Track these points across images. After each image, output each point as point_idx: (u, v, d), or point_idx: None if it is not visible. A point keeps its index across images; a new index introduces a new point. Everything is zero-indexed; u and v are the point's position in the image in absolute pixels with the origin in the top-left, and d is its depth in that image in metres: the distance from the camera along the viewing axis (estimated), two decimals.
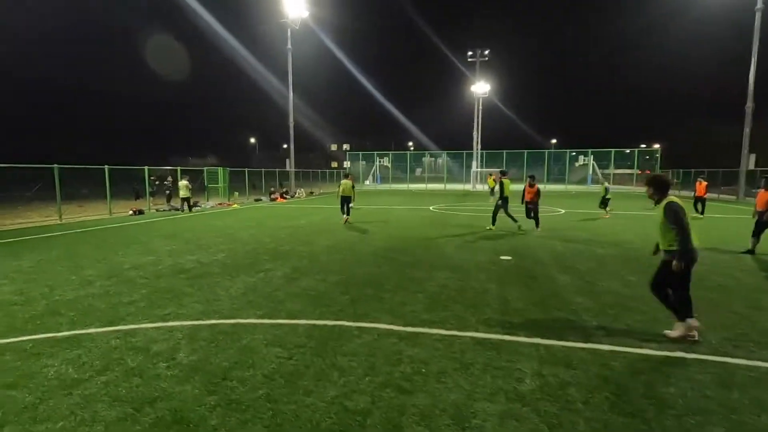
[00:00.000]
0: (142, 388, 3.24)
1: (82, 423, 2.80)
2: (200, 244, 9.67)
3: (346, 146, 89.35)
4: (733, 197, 26.38)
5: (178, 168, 19.70)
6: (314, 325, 4.57)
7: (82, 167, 16.06)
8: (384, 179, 50.08)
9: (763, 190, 8.77)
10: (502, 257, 8.13)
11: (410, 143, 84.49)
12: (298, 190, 30.50)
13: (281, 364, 3.66)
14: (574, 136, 76.87)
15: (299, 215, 16.48)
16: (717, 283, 6.31)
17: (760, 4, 24.82)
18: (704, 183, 15.95)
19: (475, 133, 43.09)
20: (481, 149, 44.07)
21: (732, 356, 3.81)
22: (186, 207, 17.97)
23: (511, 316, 4.85)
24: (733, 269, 7.22)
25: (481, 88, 42.79)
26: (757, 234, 8.62)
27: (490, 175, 28.29)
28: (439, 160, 54.29)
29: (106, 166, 16.30)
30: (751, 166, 25.72)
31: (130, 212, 16.71)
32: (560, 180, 42.92)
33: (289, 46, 31.73)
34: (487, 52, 41.20)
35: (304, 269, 7.16)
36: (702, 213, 15.42)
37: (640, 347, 3.99)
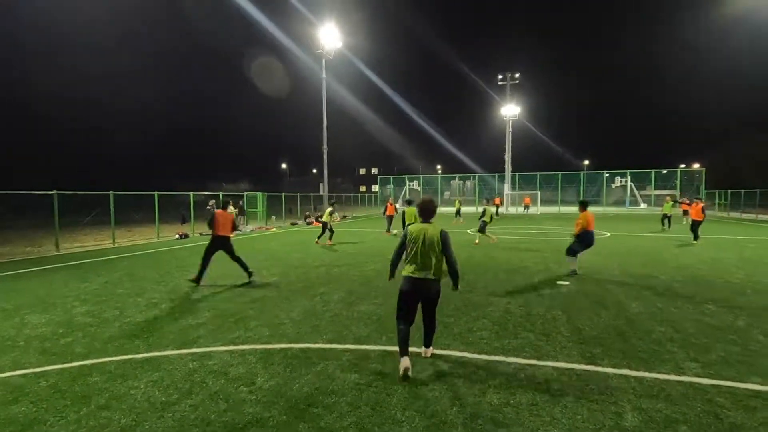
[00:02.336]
0: (231, 413, 3.23)
1: None
2: (252, 267, 9.83)
3: (374, 170, 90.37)
4: None
5: (220, 193, 20.36)
6: (385, 351, 4.49)
7: (133, 194, 16.85)
8: (412, 203, 50.08)
9: None
10: (560, 282, 7.85)
11: (438, 167, 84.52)
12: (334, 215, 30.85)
13: (361, 390, 3.58)
14: (608, 156, 75.03)
15: (339, 238, 16.59)
16: None
17: None
18: (700, 204, 14.34)
19: (506, 155, 42.74)
20: (512, 171, 43.60)
21: None
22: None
23: (590, 346, 4.61)
24: None
25: (511, 110, 42.68)
26: None
27: (487, 199, 27.87)
28: (468, 183, 53.95)
29: (155, 193, 17.04)
30: None
31: (177, 236, 17.29)
32: (596, 202, 41.71)
33: (324, 75, 32.80)
34: (517, 76, 41.23)
35: (360, 293, 7.12)
36: (696, 238, 13.81)
37: (744, 381, 3.69)
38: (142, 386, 3.71)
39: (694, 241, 13.71)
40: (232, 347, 4.64)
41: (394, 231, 17.37)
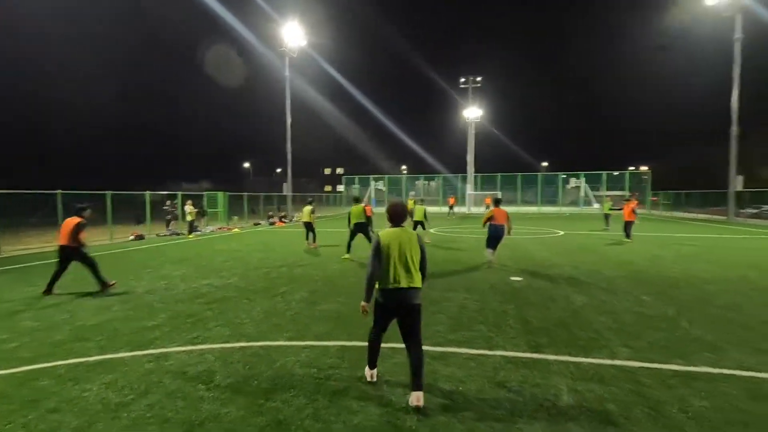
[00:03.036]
0: (188, 410, 3.26)
1: None
2: (211, 268, 9.68)
3: (339, 170, 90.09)
4: (724, 217, 26.95)
5: (180, 193, 19.75)
6: (345, 346, 4.63)
7: (85, 193, 16.06)
8: (380, 202, 50.40)
9: None
10: (513, 278, 8.26)
11: (404, 167, 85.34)
12: (296, 215, 30.57)
13: (320, 383, 3.70)
14: (565, 159, 78.53)
15: (303, 239, 16.52)
16: (726, 301, 6.48)
17: (738, 34, 26.11)
18: (631, 205, 14.54)
19: (468, 156, 43.81)
20: (475, 172, 44.75)
21: (756, 370, 3.94)
22: (189, 231, 17.98)
23: (536, 336, 4.94)
24: (739, 287, 7.42)
25: (473, 113, 43.80)
26: None
27: (422, 200, 28.62)
28: (433, 183, 54.84)
29: (108, 192, 16.32)
30: (739, 188, 26.41)
31: (131, 237, 16.63)
32: (552, 202, 43.61)
33: (287, 73, 32.45)
34: (479, 79, 42.37)
35: (322, 292, 7.21)
36: (627, 236, 14.41)
37: (666, 363, 4.11)
38: (95, 388, 3.65)
39: (627, 239, 14.26)
40: (190, 347, 4.62)
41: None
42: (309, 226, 13.43)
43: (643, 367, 4.02)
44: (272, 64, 34.04)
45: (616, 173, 44.84)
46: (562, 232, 18.32)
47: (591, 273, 8.79)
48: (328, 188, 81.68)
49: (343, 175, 56.27)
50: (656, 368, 4.00)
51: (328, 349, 4.52)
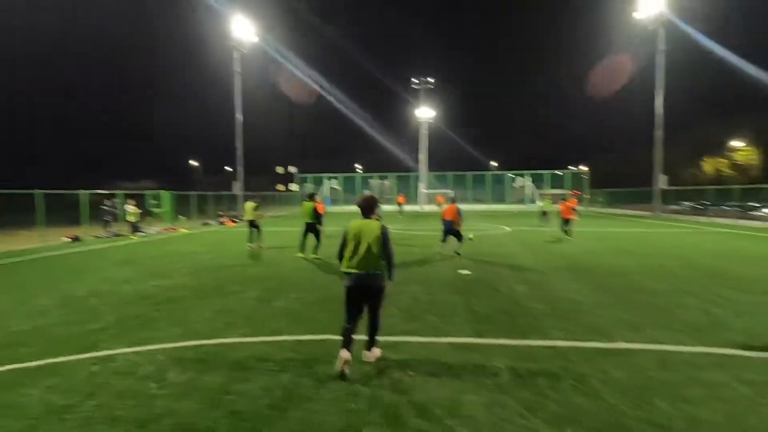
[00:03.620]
0: (140, 408, 3.26)
1: None
2: (158, 269, 9.34)
3: (293, 169, 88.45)
4: (649, 213, 29.52)
5: (120, 191, 18.67)
6: (300, 340, 4.74)
7: (10, 192, 14.79)
8: (334, 201, 50.20)
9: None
10: (462, 271, 8.69)
11: (359, 166, 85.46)
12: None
13: (275, 376, 3.80)
14: (514, 159, 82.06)
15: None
16: (647, 287, 7.25)
17: (662, 47, 28.68)
18: (570, 203, 14.72)
19: (421, 155, 44.76)
20: (428, 171, 45.77)
21: (666, 344, 4.51)
22: (132, 232, 17.07)
23: (480, 323, 5.30)
24: (658, 274, 8.30)
25: (426, 113, 44.80)
26: None
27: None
28: (387, 182, 55.46)
29: (36, 191, 15.15)
30: (664, 186, 29.04)
31: (65, 239, 15.55)
32: (501, 200, 45.57)
33: (238, 69, 31.55)
34: (431, 80, 43.38)
35: (276, 290, 7.23)
36: (567, 233, 14.58)
37: (590, 341, 4.59)
38: (37, 393, 3.53)
39: (567, 237, 14.46)
40: (138, 348, 4.53)
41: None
42: (253, 224, 12.64)
43: (571, 346, 4.47)
44: (224, 60, 32.88)
45: (561, 173, 47.55)
46: (509, 229, 19.30)
47: (533, 266, 9.43)
48: (281, 187, 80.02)
49: (296, 173, 55.44)
50: (583, 346, 4.47)
51: (283, 344, 4.61)
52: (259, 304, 6.29)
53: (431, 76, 43.41)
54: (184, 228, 20.70)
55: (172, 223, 22.26)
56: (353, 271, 3.92)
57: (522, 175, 46.28)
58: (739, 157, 46.30)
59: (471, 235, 13.09)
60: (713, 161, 49.80)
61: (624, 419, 3.04)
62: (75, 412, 3.21)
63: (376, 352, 4.15)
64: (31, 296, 6.92)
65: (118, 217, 18.79)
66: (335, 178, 51.74)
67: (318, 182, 51.43)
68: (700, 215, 26.49)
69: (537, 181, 45.16)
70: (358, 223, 4.03)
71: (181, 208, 25.05)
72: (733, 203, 25.02)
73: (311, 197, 11.35)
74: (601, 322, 5.32)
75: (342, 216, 32.85)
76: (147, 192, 22.56)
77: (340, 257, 4.06)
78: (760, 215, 22.19)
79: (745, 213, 24.19)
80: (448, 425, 2.98)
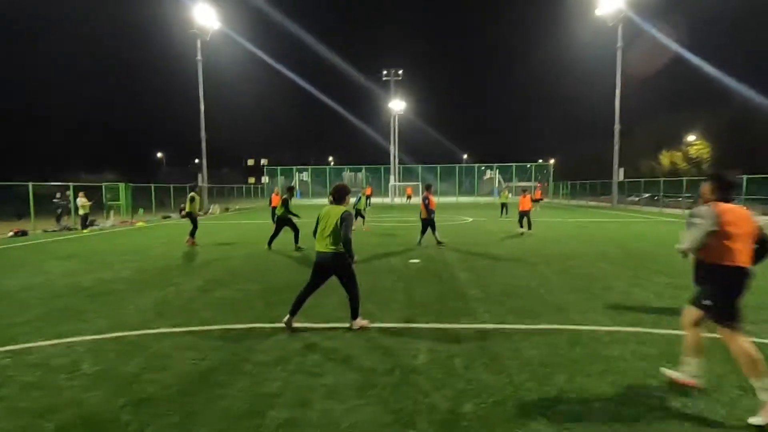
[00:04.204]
0: (44, 399, 3.18)
1: None
2: (103, 262, 9.05)
3: (264, 161, 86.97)
4: (609, 204, 30.72)
5: (71, 184, 17.89)
6: (229, 329, 4.72)
7: None
8: (304, 194, 49.75)
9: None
10: (411, 261, 8.83)
11: (330, 158, 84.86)
12: (212, 207, 29.18)
13: (194, 364, 3.79)
14: (486, 152, 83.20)
15: (213, 231, 15.96)
16: (582, 273, 7.57)
17: (620, 43, 29.67)
18: (528, 196, 14.27)
19: (392, 147, 44.87)
20: (399, 164, 45.96)
21: (582, 324, 4.75)
22: (83, 225, 16.42)
23: (414, 309, 5.43)
24: (597, 261, 8.68)
25: (396, 105, 44.84)
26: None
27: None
28: (359, 175, 55.39)
29: None
30: (621, 178, 30.23)
31: (11, 234, 14.81)
32: (470, 192, 46.31)
33: (199, 57, 30.63)
34: (400, 72, 43.40)
35: (220, 281, 7.15)
36: (529, 227, 13.95)
37: (515, 324, 4.79)
38: None
39: (529, 231, 13.88)
40: (56, 341, 4.40)
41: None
42: (191, 217, 11.64)
43: (495, 329, 4.65)
44: (189, 47, 31.78)
45: (528, 165, 48.69)
46: (470, 219, 19.67)
47: (481, 253, 9.67)
48: (251, 180, 78.52)
49: (267, 165, 54.53)
50: (506, 328, 4.65)
51: (211, 333, 4.59)
52: (199, 295, 6.21)
53: (404, 69, 43.47)
54: (142, 221, 20.06)
55: (130, 216, 21.53)
56: (317, 249, 4.58)
57: (491, 168, 47.13)
58: (693, 151, 48.66)
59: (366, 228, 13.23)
60: (669, 155, 52.11)
61: (520, 392, 3.20)
62: None
63: (361, 321, 4.67)
64: None
65: (69, 210, 18.04)
66: (305, 170, 51.24)
67: (288, 174, 50.79)
68: (654, 206, 27.76)
69: (505, 173, 46.09)
70: (327, 208, 4.60)
71: (143, 201, 24.26)
72: (686, 194, 26.33)
73: (290, 190, 11.37)
74: (532, 305, 5.54)
75: (312, 208, 32.64)
76: (104, 184, 21.71)
77: (314, 237, 4.67)
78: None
79: (695, 204, 25.52)
80: (353, 404, 3.06)
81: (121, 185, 21.76)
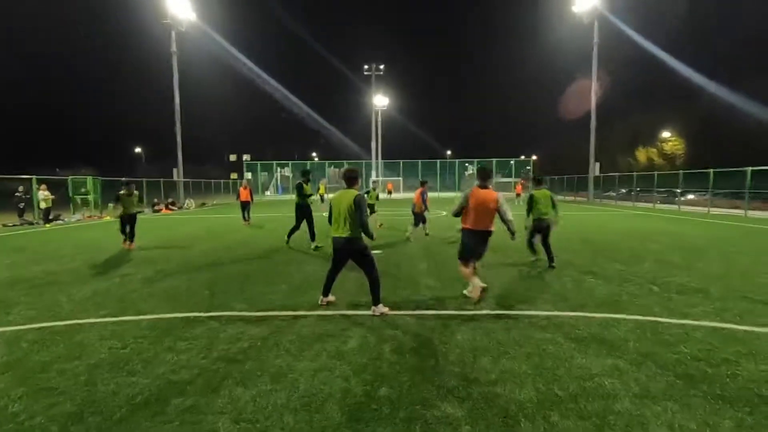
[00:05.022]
0: None
1: None
2: (53, 255, 8.73)
3: (246, 156, 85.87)
4: (585, 198, 31.14)
5: (33, 177, 17.29)
6: (161, 318, 4.56)
7: None
8: (285, 189, 49.28)
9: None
10: (374, 251, 8.71)
11: (314, 153, 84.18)
12: (187, 201, 28.62)
13: (113, 353, 3.62)
14: (469, 147, 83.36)
15: (183, 225, 15.63)
16: (539, 262, 7.59)
17: (596, 39, 30.01)
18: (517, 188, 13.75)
19: (373, 143, 44.69)
20: (382, 159, 45.80)
21: (525, 309, 4.72)
22: (45, 219, 15.89)
23: (362, 297, 5.32)
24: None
25: (379, 100, 44.63)
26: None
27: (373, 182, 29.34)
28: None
29: None
30: (597, 173, 30.66)
31: None
32: (453, 188, 46.47)
33: (174, 48, 29.91)
34: (382, 66, 43.18)
35: (170, 271, 6.94)
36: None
37: (457, 310, 4.73)
38: None
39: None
40: None
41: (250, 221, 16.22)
42: (125, 218, 9.58)
43: (436, 314, 4.58)
44: (163, 39, 30.98)
45: (510, 161, 49.03)
46: (444, 213, 19.68)
47: (450, 245, 9.63)
48: (233, 175, 77.41)
49: (249, 161, 53.77)
50: (447, 314, 4.59)
51: (140, 323, 4.41)
52: (142, 285, 6.01)
53: (385, 65, 43.22)
54: (110, 216, 19.53)
55: (98, 211, 20.94)
56: (332, 234, 4.55)
57: (471, 163, 47.34)
58: (668, 147, 49.70)
59: (380, 223, 13.23)
60: (645, 151, 53.15)
61: (439, 374, 3.14)
62: None
63: (381, 308, 4.58)
64: None
65: (31, 204, 17.43)
66: (286, 165, 50.71)
67: (269, 170, 50.21)
68: (627, 200, 28.24)
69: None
70: (339, 193, 4.57)
71: (112, 195, 23.64)
72: (660, 189, 26.84)
73: (305, 174, 9.68)
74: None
75: (287, 204, 32.27)
76: (70, 178, 21.05)
77: (330, 223, 4.65)
78: (682, 200, 23.80)
79: (668, 198, 26.04)
80: (265, 390, 2.95)
81: (90, 179, 21.14)
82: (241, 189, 15.61)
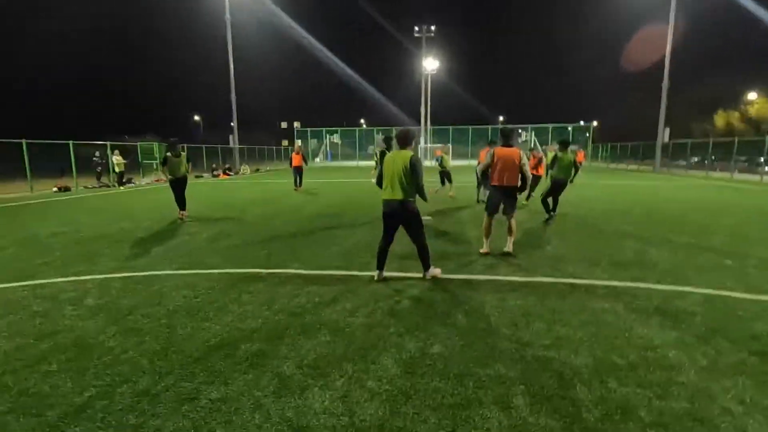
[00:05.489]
0: (44, 325, 3.46)
1: None
2: (128, 214, 9.57)
3: (296, 124, 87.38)
4: (651, 168, 28.90)
5: (108, 143, 18.72)
6: (228, 273, 4.90)
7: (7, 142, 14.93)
8: (334, 156, 49.90)
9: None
10: (424, 217, 8.70)
11: (362, 120, 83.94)
12: (242, 167, 29.88)
13: (187, 301, 3.98)
14: (524, 113, 79.24)
15: (240, 190, 16.41)
16: (597, 229, 7.25)
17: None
18: (533, 160, 10.77)
19: (422, 108, 43.69)
20: (431, 125, 44.81)
21: (581, 277, 4.58)
22: (119, 182, 17.32)
23: (411, 259, 5.39)
24: (606, 219, 8.28)
25: (429, 64, 43.18)
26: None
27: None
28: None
29: (23, 141, 15.26)
30: (666, 139, 28.22)
31: (55, 189, 15.83)
32: None
33: (228, 15, 30.40)
34: (433, 28, 41.44)
35: (231, 232, 7.39)
36: (528, 198, 10.71)
37: (509, 275, 4.68)
38: None
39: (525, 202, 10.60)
40: (72, 278, 4.74)
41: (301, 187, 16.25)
42: (176, 185, 8.86)
43: (488, 280, 4.57)
44: (218, 6, 31.56)
45: (567, 126, 46.07)
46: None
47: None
48: (285, 142, 79.34)
49: (300, 128, 54.69)
50: (498, 279, 4.56)
51: (208, 276, 4.78)
52: (208, 243, 6.46)
53: (439, 25, 41.40)
54: (162, 176, 20.85)
55: (164, 175, 22.43)
56: (384, 197, 4.37)
57: (526, 129, 45.17)
58: (753, 111, 44.42)
59: (451, 193, 13.00)
60: (725, 115, 47.90)
61: (491, 336, 3.16)
62: None
63: (433, 270, 4.59)
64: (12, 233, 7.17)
65: (108, 168, 18.99)
66: (335, 132, 51.09)
67: (320, 137, 50.87)
68: (700, 169, 25.90)
69: (541, 135, 44.05)
70: (393, 154, 4.36)
71: None
72: (741, 157, 24.26)
73: (387, 141, 8.35)
74: (533, 259, 5.39)
75: (335, 170, 32.75)
76: (139, 144, 22.58)
77: (379, 185, 4.47)
78: (766, 170, 21.37)
79: (750, 167, 23.55)
80: (324, 341, 3.13)
81: (155, 145, 22.56)
82: (294, 155, 15.77)
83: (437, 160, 12.69)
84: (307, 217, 9.03)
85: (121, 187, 17.20)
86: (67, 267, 5.19)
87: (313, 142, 50.26)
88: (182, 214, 8.84)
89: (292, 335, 3.24)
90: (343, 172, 28.41)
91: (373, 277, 4.59)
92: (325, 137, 50.33)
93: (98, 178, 19.03)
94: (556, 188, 8.24)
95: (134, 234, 7.25)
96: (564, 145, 8.44)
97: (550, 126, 43.77)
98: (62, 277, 4.80)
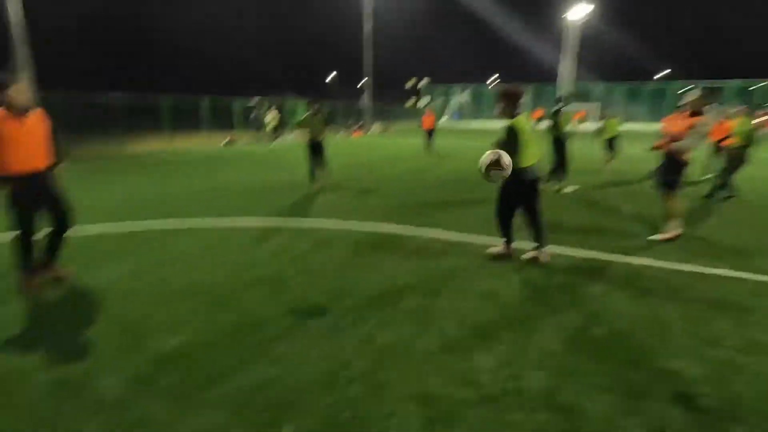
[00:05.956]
0: (242, 259, 4.25)
1: (181, 273, 3.87)
2: (283, 167, 10.93)
3: (425, 80, 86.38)
4: None
5: (266, 102, 21.19)
6: (379, 233, 5.32)
7: (187, 100, 18.10)
8: (462, 116, 48.37)
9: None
10: (567, 189, 8.06)
11: (496, 75, 78.30)
12: (374, 126, 31.09)
13: (349, 249, 4.53)
14: (689, 65, 63.92)
15: (375, 149, 17.25)
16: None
17: None
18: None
19: (561, 66, 39.12)
20: (576, 81, 39.86)
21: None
22: (273, 137, 19.69)
23: (562, 233, 5.11)
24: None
25: (576, 10, 38.00)
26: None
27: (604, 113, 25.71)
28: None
29: (207, 98, 18.22)
30: None
31: (225, 142, 18.69)
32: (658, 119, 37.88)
33: None
34: None
35: (376, 188, 8.02)
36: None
37: (676, 262, 4.16)
38: (182, 239, 4.83)
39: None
40: (255, 219, 5.69)
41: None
42: (314, 146, 8.12)
43: (659, 267, 4.14)
44: None
45: (751, 87, 36.28)
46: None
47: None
48: (410, 103, 79.44)
49: (425, 86, 54.04)
50: (665, 267, 4.10)
51: (362, 226, 5.29)
52: (357, 199, 7.10)
53: None
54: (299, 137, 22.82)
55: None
56: (530, 164, 3.88)
57: (692, 88, 37.26)
58: None
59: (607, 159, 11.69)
60: None
61: (664, 329, 2.90)
62: (193, 258, 4.36)
63: (544, 254, 4.08)
64: (192, 179, 8.88)
65: (263, 124, 21.60)
66: (466, 89, 49.19)
67: (446, 94, 49.67)
68: None
69: (713, 94, 35.98)
70: (523, 119, 3.90)
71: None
72: None
73: (559, 102, 8.01)
74: (711, 246, 4.68)
75: (463, 132, 31.93)
76: (287, 102, 25.06)
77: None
78: None
79: None
80: (476, 306, 3.26)
81: (299, 104, 24.76)
82: (425, 117, 14.98)
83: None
84: (439, 179, 9.14)
85: (274, 142, 19.46)
86: (248, 211, 6.22)
87: (441, 100, 49.27)
88: (319, 183, 8.08)
89: (449, 294, 3.43)
90: (474, 135, 27.55)
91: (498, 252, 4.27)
92: (455, 95, 48.89)
93: (257, 132, 21.79)
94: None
95: (292, 186, 8.25)
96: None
97: (731, 84, 35.40)
98: (246, 215, 5.80)
